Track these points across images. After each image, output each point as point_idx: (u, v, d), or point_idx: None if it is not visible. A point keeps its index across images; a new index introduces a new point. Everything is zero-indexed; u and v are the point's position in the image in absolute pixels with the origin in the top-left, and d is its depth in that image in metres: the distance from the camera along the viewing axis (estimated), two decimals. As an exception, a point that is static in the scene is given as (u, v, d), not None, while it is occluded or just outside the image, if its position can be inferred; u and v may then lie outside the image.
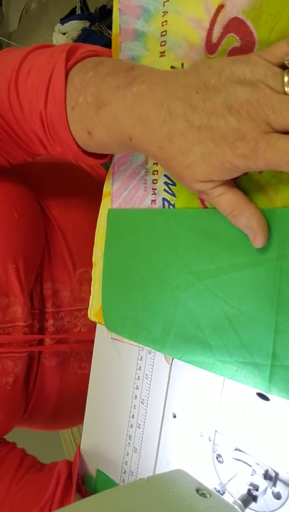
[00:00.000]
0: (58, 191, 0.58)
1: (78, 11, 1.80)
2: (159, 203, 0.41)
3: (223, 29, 0.33)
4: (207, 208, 0.37)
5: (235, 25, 0.32)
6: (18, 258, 0.49)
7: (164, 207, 0.41)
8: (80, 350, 0.59)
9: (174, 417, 0.41)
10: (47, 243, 0.55)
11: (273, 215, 0.32)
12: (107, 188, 0.47)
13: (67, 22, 1.75)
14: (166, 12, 0.37)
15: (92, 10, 1.79)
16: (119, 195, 0.45)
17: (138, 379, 0.45)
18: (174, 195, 0.40)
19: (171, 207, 0.40)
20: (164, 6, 0.37)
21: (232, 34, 0.32)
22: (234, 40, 0.32)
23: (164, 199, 0.41)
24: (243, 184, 0.34)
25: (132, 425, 0.46)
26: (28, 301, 0.52)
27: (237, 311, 0.34)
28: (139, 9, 0.39)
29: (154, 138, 0.30)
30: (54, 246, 0.56)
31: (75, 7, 1.82)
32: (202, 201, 0.37)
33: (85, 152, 0.39)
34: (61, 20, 1.81)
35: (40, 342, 0.55)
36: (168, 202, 0.41)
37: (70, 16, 1.80)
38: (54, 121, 0.37)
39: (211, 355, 0.36)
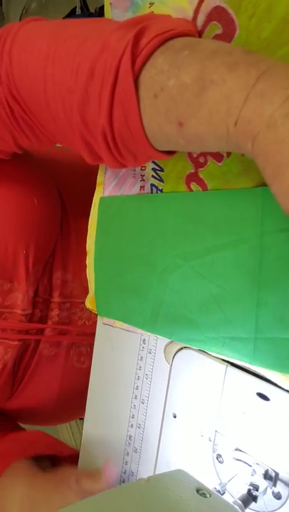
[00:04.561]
0: (74, 180, 0.58)
1: (78, 11, 1.80)
2: (147, 189, 0.42)
3: (206, 17, 0.34)
4: (192, 191, 0.38)
5: (218, 13, 0.33)
6: (30, 245, 0.49)
7: (152, 193, 0.42)
8: (80, 344, 0.59)
9: (174, 417, 0.41)
10: (61, 232, 0.55)
11: (254, 193, 0.33)
12: (100, 177, 0.47)
13: (67, 22, 1.75)
14: (153, 3, 0.38)
15: (92, 10, 1.79)
16: (110, 183, 0.46)
17: (138, 379, 0.45)
18: (161, 180, 0.41)
19: (159, 192, 0.41)
20: None
21: (214, 22, 0.34)
22: (216, 27, 0.34)
23: (152, 185, 0.42)
24: (226, 166, 0.35)
25: (132, 425, 0.46)
26: (30, 289, 0.51)
27: (221, 290, 0.35)
28: (127, 2, 0.40)
29: (269, 112, 0.23)
30: (68, 236, 0.56)
31: (75, 7, 1.81)
32: (188, 185, 0.38)
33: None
34: (61, 20, 1.81)
35: (41, 331, 0.55)
36: (156, 187, 0.42)
37: (70, 15, 1.80)
38: (123, 131, 0.31)
39: (199, 333, 0.37)
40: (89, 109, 0.31)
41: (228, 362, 0.36)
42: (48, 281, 0.55)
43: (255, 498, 0.34)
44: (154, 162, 0.41)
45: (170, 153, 0.34)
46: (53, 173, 0.55)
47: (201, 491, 0.30)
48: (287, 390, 0.33)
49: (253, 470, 0.35)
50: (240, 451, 0.36)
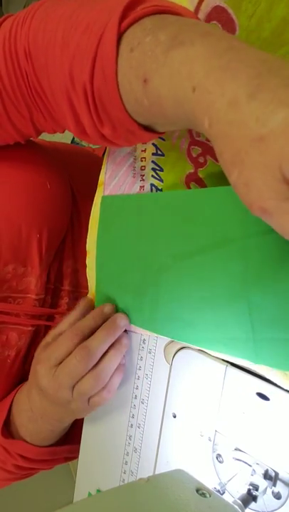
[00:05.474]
0: (85, 176, 0.59)
1: (78, 11, 1.80)
2: (147, 189, 0.43)
3: (207, 17, 0.35)
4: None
5: (218, 13, 0.34)
6: (44, 229, 0.49)
7: (151, 192, 0.42)
8: None
9: (174, 417, 0.41)
10: (72, 223, 0.55)
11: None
12: (101, 177, 0.48)
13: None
14: None
15: (92, 10, 1.79)
16: (110, 182, 0.47)
17: (138, 379, 0.45)
18: (161, 180, 0.41)
19: (158, 192, 0.42)
20: None
21: (214, 22, 0.34)
22: (216, 27, 0.34)
23: (151, 185, 0.42)
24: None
25: (132, 425, 0.46)
26: (44, 274, 0.51)
27: (210, 292, 0.36)
28: None
29: (232, 89, 0.22)
30: (80, 226, 0.56)
31: (75, 7, 1.81)
32: (188, 185, 0.39)
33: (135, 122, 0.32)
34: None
35: (50, 318, 0.55)
36: (155, 187, 0.42)
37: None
38: (101, 90, 0.31)
39: (198, 333, 0.38)
40: (76, 63, 0.31)
41: (227, 362, 0.36)
42: (58, 268, 0.55)
43: (255, 498, 0.34)
44: (153, 162, 0.41)
45: (148, 131, 0.33)
46: (65, 166, 0.56)
47: (200, 491, 0.30)
48: (287, 390, 0.33)
49: (253, 470, 0.35)
50: (240, 451, 0.36)
